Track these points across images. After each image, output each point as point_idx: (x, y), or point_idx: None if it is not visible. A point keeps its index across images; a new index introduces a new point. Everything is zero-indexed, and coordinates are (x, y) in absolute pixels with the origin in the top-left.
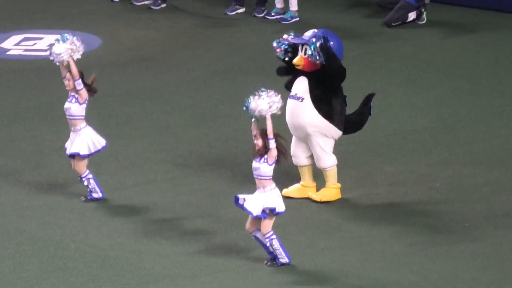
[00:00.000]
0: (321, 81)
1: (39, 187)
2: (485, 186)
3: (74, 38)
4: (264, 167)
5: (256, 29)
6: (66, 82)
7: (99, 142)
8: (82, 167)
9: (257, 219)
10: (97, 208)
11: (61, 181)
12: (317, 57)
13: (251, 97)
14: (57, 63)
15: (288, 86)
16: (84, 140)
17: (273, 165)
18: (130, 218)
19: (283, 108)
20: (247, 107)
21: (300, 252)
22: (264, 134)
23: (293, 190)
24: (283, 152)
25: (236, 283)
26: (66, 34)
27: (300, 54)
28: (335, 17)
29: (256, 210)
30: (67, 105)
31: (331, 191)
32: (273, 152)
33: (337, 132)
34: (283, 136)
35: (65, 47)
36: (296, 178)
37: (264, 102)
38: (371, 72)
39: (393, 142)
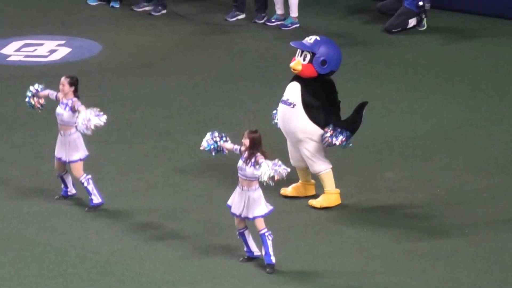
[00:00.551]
0: (315, 90)
1: (39, 193)
2: (485, 192)
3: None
4: (250, 170)
5: (256, 35)
6: (61, 87)
7: (85, 150)
8: (79, 171)
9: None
10: (97, 214)
11: (62, 187)
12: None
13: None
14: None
15: None
16: (78, 145)
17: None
18: (130, 224)
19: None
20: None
21: (301, 258)
22: (251, 133)
23: (292, 190)
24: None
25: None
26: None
27: (299, 59)
28: (335, 23)
29: (260, 212)
30: (59, 110)
31: (330, 197)
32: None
33: None
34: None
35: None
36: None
37: (266, 171)
38: (372, 78)
39: (394, 148)
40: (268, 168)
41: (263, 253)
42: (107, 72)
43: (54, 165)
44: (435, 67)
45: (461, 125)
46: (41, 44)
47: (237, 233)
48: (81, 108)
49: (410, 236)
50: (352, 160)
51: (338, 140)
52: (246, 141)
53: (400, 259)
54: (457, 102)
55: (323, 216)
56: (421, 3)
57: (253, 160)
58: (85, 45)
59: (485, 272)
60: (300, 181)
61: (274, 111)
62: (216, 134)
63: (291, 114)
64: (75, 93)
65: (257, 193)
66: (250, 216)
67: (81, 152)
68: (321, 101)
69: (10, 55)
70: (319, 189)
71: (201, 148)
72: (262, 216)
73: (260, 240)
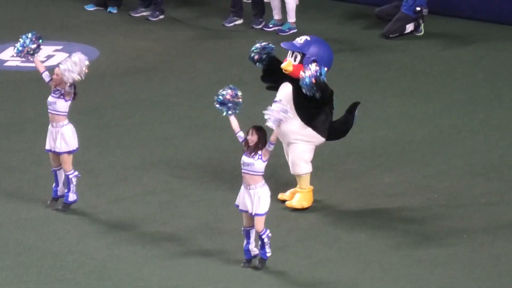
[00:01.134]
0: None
1: (37, 198)
2: (483, 197)
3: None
4: (258, 164)
5: (254, 40)
6: (55, 76)
7: (76, 142)
8: (68, 164)
9: (249, 215)
10: (95, 219)
11: (53, 186)
12: (313, 93)
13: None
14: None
15: (269, 88)
16: (70, 136)
17: (267, 161)
18: (128, 229)
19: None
20: (221, 101)
21: (299, 263)
22: (259, 131)
23: (290, 194)
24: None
25: None
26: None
27: (290, 59)
28: (333, 28)
29: (263, 209)
30: (51, 99)
31: (305, 195)
32: (269, 150)
33: (320, 139)
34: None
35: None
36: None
37: (276, 113)
38: (370, 83)
39: (392, 153)
40: (278, 110)
41: (259, 249)
42: (105, 77)
43: (51, 165)
44: (433, 73)
45: (459, 130)
46: None
47: (242, 229)
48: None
49: (408, 242)
50: (350, 165)
51: (311, 70)
52: (254, 137)
53: (398, 265)
54: (455, 108)
55: (322, 221)
56: (418, 8)
57: (259, 152)
58: (83, 50)
59: (482, 278)
60: (297, 187)
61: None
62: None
63: None
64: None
65: (264, 190)
66: (257, 212)
67: (70, 145)
68: (313, 101)
69: (7, 60)
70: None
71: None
72: (265, 214)
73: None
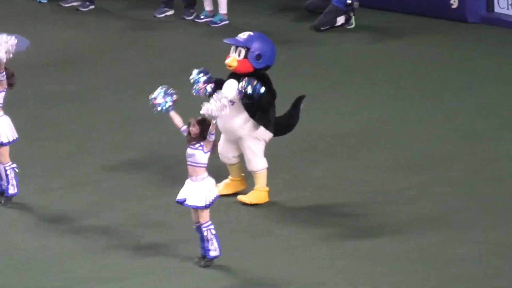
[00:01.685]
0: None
1: None
2: (410, 190)
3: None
4: (199, 154)
5: (185, 32)
6: None
7: (14, 133)
8: (6, 156)
9: (197, 209)
10: (22, 210)
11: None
12: (245, 101)
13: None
14: None
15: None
16: (6, 127)
17: (209, 153)
18: (57, 220)
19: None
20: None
21: (228, 255)
22: (201, 123)
23: (222, 187)
24: (216, 144)
25: (164, 285)
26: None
27: (234, 55)
28: (264, 20)
29: (201, 202)
30: None
31: (260, 194)
32: (210, 141)
33: (268, 135)
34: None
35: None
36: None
37: (215, 106)
38: (299, 76)
39: (319, 146)
40: (215, 102)
41: (202, 245)
42: (31, 69)
43: None
44: (360, 66)
45: (384, 124)
46: None
47: (194, 227)
48: None
49: (337, 234)
50: (280, 158)
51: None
52: (195, 128)
53: (327, 257)
54: (380, 101)
55: (252, 214)
56: (349, 1)
57: (202, 142)
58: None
59: (409, 270)
60: (230, 177)
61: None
62: (171, 91)
63: (231, 112)
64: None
65: (204, 182)
66: (197, 204)
67: (5, 137)
68: (259, 96)
69: None
70: (248, 188)
71: (153, 101)
72: (207, 207)
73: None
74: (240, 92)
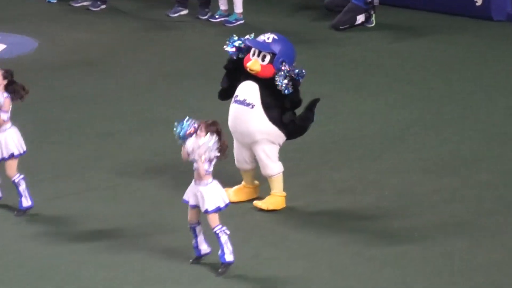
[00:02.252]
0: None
1: None
2: (434, 194)
3: None
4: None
5: (200, 31)
6: None
7: (23, 145)
8: (14, 169)
9: (197, 210)
10: (34, 217)
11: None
12: (286, 90)
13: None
14: None
15: (224, 95)
16: (15, 139)
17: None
18: (69, 227)
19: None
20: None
21: (245, 263)
22: (209, 126)
23: (234, 193)
24: (224, 149)
25: None
26: None
27: (256, 58)
28: (281, 19)
29: (211, 206)
30: None
31: (277, 199)
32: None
33: (283, 138)
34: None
35: None
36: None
37: (203, 145)
38: (319, 77)
39: (341, 149)
40: (208, 144)
41: (219, 251)
42: (44, 70)
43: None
44: (384, 66)
45: (410, 125)
46: None
47: (189, 226)
48: None
49: (357, 240)
50: (298, 161)
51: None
52: (202, 134)
53: (347, 263)
54: (405, 102)
55: (268, 219)
56: None
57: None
58: (21, 42)
59: (434, 276)
60: (243, 183)
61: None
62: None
63: (250, 115)
64: (7, 88)
65: (209, 187)
66: (203, 209)
67: (15, 148)
68: (279, 100)
69: None
70: (265, 191)
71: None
72: (215, 211)
73: (194, 234)
74: (284, 77)
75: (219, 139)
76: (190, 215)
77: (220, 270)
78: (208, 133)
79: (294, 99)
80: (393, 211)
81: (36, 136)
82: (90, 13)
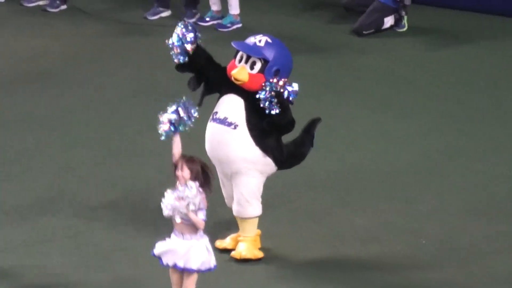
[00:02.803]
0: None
1: None
2: (484, 244)
3: None
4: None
5: None
6: None
7: None
8: None
9: (180, 274)
10: None
11: None
12: (271, 107)
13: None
14: None
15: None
16: None
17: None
18: (20, 286)
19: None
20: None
21: None
22: (190, 163)
23: (231, 241)
24: (208, 181)
25: None
26: None
27: (243, 65)
28: (289, 22)
29: (195, 264)
30: None
31: (254, 242)
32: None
33: (273, 168)
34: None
35: None
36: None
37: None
38: (336, 94)
39: (365, 186)
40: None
41: None
42: None
43: None
44: (418, 80)
45: (451, 155)
46: None
47: None
48: None
49: None
50: (311, 202)
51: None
52: (185, 173)
53: None
54: (447, 126)
55: (273, 276)
56: None
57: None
58: None
59: None
60: (239, 232)
61: None
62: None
63: (231, 138)
64: None
65: (202, 242)
66: (186, 265)
67: None
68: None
69: None
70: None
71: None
72: (202, 271)
73: None
74: (270, 91)
75: (205, 177)
76: (175, 279)
77: None
78: (188, 182)
79: (279, 121)
80: (431, 265)
81: None
82: (47, 14)
